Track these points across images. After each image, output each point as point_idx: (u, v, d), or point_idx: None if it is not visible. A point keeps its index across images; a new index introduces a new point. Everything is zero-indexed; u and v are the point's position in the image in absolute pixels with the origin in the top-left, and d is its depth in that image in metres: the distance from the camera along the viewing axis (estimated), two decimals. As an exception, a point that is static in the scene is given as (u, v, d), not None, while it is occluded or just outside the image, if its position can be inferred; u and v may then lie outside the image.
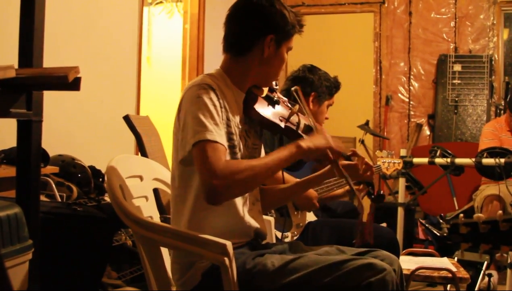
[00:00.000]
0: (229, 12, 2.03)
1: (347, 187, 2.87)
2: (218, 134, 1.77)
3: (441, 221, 2.20)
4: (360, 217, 2.43)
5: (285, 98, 2.17)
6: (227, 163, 1.75)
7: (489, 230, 1.85)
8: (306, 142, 1.89)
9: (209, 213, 1.87)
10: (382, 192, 2.40)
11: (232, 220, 1.92)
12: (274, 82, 2.10)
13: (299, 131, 2.08)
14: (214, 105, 1.82)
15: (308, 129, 2.09)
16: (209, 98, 1.82)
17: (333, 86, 3.10)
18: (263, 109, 2.01)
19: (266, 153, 2.25)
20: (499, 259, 1.94)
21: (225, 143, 1.80)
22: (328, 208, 3.33)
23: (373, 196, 2.35)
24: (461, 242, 1.89)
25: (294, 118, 2.09)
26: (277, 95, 2.10)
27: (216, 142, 1.75)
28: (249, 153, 2.03)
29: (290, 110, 2.09)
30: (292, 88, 2.18)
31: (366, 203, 2.23)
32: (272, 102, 2.07)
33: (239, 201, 1.93)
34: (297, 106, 2.10)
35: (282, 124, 2.04)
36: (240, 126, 1.97)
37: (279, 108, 2.08)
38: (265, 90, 2.09)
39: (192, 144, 1.76)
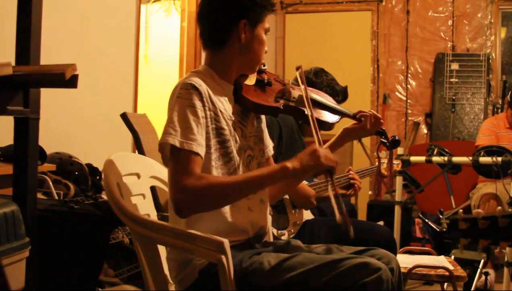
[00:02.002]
0: (198, 9, 2.03)
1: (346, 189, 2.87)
2: (187, 138, 1.76)
3: (440, 216, 2.20)
4: (378, 167, 2.44)
5: (276, 75, 2.18)
6: (198, 178, 1.73)
7: (488, 226, 1.85)
8: (294, 163, 1.83)
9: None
10: (396, 137, 2.40)
11: (230, 217, 1.91)
12: (262, 64, 2.09)
13: (296, 105, 2.08)
14: (193, 106, 1.81)
15: (301, 100, 2.07)
16: (188, 99, 1.82)
17: (335, 94, 3.07)
18: (255, 96, 2.01)
19: (270, 135, 2.25)
20: (497, 255, 1.95)
21: (199, 149, 1.78)
22: (321, 209, 3.32)
23: (388, 144, 2.35)
24: (461, 238, 1.90)
25: (290, 94, 2.09)
26: (267, 76, 2.10)
27: (190, 151, 1.75)
28: (247, 142, 2.03)
29: (283, 87, 2.09)
30: (296, 66, 2.17)
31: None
32: (263, 85, 2.07)
33: None
34: (289, 81, 2.11)
35: (278, 104, 2.04)
36: (233, 118, 1.96)
37: (271, 89, 2.08)
38: (253, 76, 2.08)
39: (159, 144, 1.80)
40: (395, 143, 2.39)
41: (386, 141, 2.39)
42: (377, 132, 2.35)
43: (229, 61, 2.00)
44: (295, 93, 2.12)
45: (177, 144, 1.74)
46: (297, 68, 2.15)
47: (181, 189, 1.71)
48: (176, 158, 1.75)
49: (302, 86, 2.08)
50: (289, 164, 1.82)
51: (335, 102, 2.33)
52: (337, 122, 2.25)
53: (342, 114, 2.28)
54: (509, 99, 4.74)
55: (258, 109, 2.05)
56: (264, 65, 2.10)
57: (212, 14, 1.99)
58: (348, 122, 2.36)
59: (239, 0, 1.96)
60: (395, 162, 3.59)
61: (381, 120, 2.29)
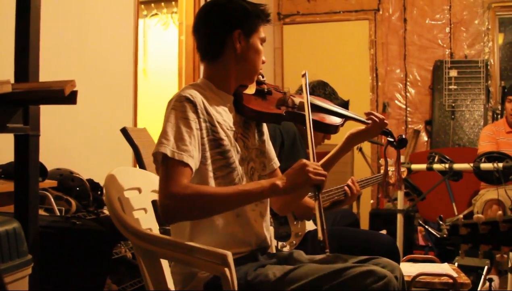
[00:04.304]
0: (193, 23, 2.05)
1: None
2: (178, 148, 1.77)
3: (440, 222, 2.21)
4: (385, 171, 2.45)
5: (276, 85, 2.19)
6: (184, 188, 1.73)
7: (489, 231, 1.85)
8: (284, 181, 1.82)
9: (209, 223, 1.87)
10: (403, 135, 2.40)
11: (232, 230, 1.91)
12: (260, 75, 2.11)
13: (299, 111, 2.10)
14: (186, 118, 1.82)
15: (302, 106, 2.08)
16: (182, 111, 1.83)
17: None
18: (256, 105, 2.03)
19: (272, 144, 2.25)
20: (499, 260, 1.94)
21: (189, 160, 1.77)
22: None
23: (395, 143, 2.35)
24: (461, 243, 1.89)
25: (291, 101, 2.11)
26: (266, 86, 2.11)
27: (180, 161, 1.75)
28: (249, 154, 2.03)
29: (284, 95, 2.11)
30: (302, 74, 2.17)
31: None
32: (263, 94, 2.08)
33: (239, 209, 1.93)
34: (289, 89, 2.13)
35: (280, 111, 2.06)
36: (234, 129, 1.97)
37: (272, 98, 2.09)
38: (253, 86, 2.09)
39: (152, 154, 1.80)
40: (402, 142, 2.39)
41: (393, 140, 2.39)
42: (382, 132, 2.35)
43: (227, 72, 2.01)
44: (296, 100, 2.13)
45: (168, 153, 1.75)
46: (303, 76, 2.16)
47: (168, 195, 1.72)
48: (166, 166, 1.76)
49: (304, 92, 2.09)
50: (279, 182, 1.82)
51: (338, 107, 2.33)
52: (342, 125, 2.25)
53: (345, 117, 2.28)
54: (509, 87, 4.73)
55: (260, 118, 2.06)
56: (262, 77, 2.12)
57: (206, 26, 2.01)
58: (352, 127, 2.36)
59: (232, 11, 1.98)
60: (401, 169, 3.57)
61: (386, 120, 2.30)
